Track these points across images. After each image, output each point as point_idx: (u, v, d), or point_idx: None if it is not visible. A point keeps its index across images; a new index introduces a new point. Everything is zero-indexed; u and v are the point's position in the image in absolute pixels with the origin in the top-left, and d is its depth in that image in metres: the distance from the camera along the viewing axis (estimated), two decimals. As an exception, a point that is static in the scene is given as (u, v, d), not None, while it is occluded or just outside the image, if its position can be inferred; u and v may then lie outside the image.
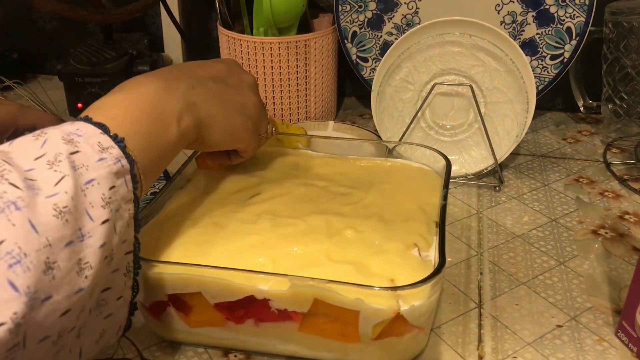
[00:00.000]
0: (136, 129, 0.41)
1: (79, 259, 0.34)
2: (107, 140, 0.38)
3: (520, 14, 0.80)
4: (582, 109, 0.88)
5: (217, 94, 0.49)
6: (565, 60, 0.81)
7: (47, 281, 0.31)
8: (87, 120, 0.39)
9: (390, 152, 0.62)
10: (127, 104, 0.42)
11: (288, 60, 0.81)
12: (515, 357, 0.49)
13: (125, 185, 0.38)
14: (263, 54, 0.80)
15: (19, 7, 1.06)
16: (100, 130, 0.38)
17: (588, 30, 0.78)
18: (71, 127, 0.38)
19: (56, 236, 0.32)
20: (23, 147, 0.35)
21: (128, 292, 0.40)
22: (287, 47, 0.80)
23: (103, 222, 0.36)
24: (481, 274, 0.58)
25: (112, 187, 0.37)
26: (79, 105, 0.89)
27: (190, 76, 0.48)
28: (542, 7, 0.79)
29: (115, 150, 0.38)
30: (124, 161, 0.38)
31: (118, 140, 0.39)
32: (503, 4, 0.80)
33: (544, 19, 0.80)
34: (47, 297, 0.31)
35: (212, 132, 0.49)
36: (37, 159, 0.35)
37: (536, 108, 0.72)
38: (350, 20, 0.86)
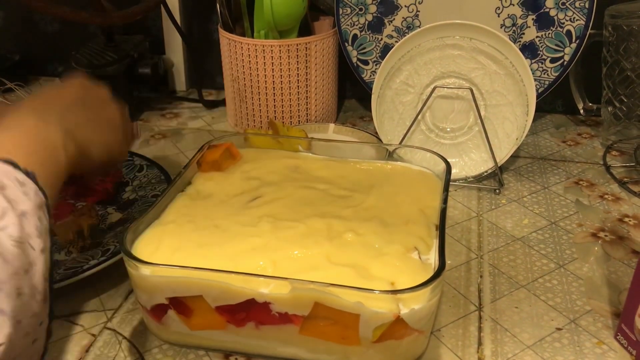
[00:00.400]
0: (34, 160, 0.42)
1: (33, 284, 0.36)
2: (21, 176, 0.39)
3: (520, 17, 0.80)
4: (582, 111, 0.88)
5: (85, 116, 0.51)
6: (565, 63, 0.81)
7: (19, 306, 0.34)
8: None
9: (390, 155, 0.63)
10: (19, 141, 0.43)
11: (289, 62, 0.81)
12: (514, 360, 0.49)
13: (45, 216, 0.40)
14: (264, 56, 0.81)
15: (20, 9, 1.06)
16: (11, 167, 0.39)
17: (588, 33, 0.79)
18: None
19: (19, 264, 0.35)
20: None
21: (47, 319, 0.40)
22: (288, 49, 0.80)
23: (42, 251, 0.38)
24: (481, 276, 0.58)
25: (40, 218, 0.39)
26: (80, 107, 0.89)
27: (55, 105, 0.49)
28: (542, 11, 0.79)
29: (32, 185, 0.40)
30: (40, 194, 0.40)
31: (30, 174, 0.40)
32: (503, 7, 0.80)
33: (544, 22, 0.80)
34: (19, 321, 0.34)
35: (92, 154, 0.51)
36: None
37: (536, 111, 0.72)
38: (350, 23, 0.86)
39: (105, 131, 0.53)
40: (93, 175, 0.58)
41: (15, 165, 0.40)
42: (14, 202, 0.37)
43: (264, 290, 0.44)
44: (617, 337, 0.50)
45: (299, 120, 0.86)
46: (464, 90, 0.73)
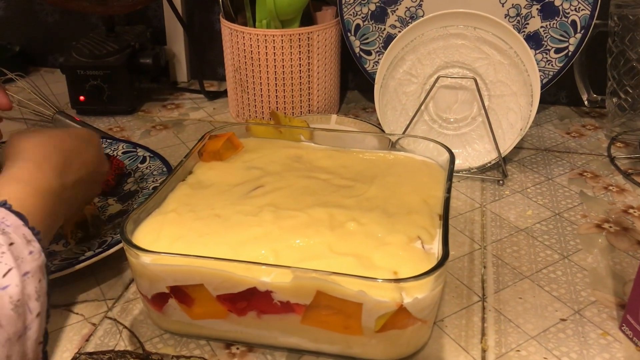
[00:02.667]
0: (42, 224, 0.43)
1: (24, 351, 0.35)
2: (28, 233, 0.40)
3: (524, 7, 0.79)
4: (586, 102, 0.87)
5: (80, 175, 0.51)
6: (570, 53, 0.80)
7: None
8: (8, 207, 0.40)
9: (393, 145, 0.62)
10: (34, 201, 0.43)
11: (291, 53, 0.81)
12: (518, 350, 0.48)
13: (44, 278, 0.40)
14: (266, 46, 0.80)
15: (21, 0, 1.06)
16: (22, 222, 0.40)
17: (593, 23, 0.78)
18: None
19: (14, 330, 0.34)
20: None
21: None
22: (290, 39, 0.80)
23: (37, 315, 0.37)
24: (484, 267, 0.58)
25: (40, 280, 0.39)
26: (81, 98, 0.89)
27: (70, 174, 0.49)
28: (546, 0, 0.79)
29: (37, 244, 0.40)
30: (43, 255, 0.40)
31: (36, 233, 0.40)
32: (507, -4, 0.80)
33: (549, 11, 0.79)
34: None
35: (77, 209, 0.54)
36: None
37: (540, 102, 0.71)
38: (353, 12, 0.85)
39: (92, 189, 0.56)
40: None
41: (26, 221, 0.40)
42: (20, 261, 0.37)
43: (266, 278, 0.43)
44: (622, 328, 0.50)
45: (301, 111, 0.85)
46: (468, 80, 0.72)
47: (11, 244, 0.37)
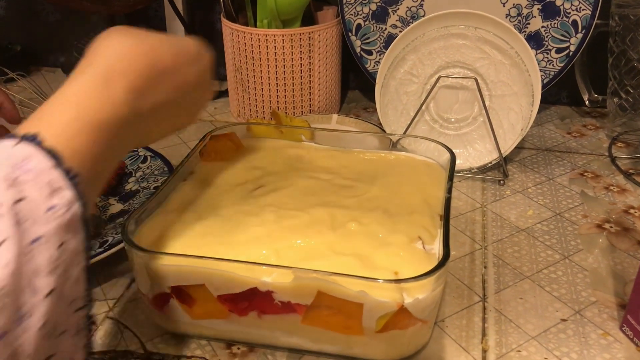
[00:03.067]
0: (89, 162, 0.34)
1: (13, 350, 0.27)
2: (59, 178, 0.30)
3: (525, 7, 0.79)
4: (587, 102, 0.87)
5: (167, 98, 0.41)
6: (571, 53, 0.80)
7: None
8: (38, 143, 0.31)
9: (394, 145, 0.62)
10: (68, 115, 0.34)
11: (292, 52, 0.81)
12: (519, 350, 0.48)
13: (75, 237, 0.31)
14: (267, 46, 0.80)
15: (22, -1, 1.06)
16: (52, 163, 0.31)
17: (594, 23, 0.78)
18: (17, 154, 0.30)
19: None
20: None
21: (80, 354, 0.33)
22: (291, 39, 0.80)
23: (48, 294, 0.29)
24: (485, 267, 0.58)
25: (61, 245, 0.30)
26: (82, 97, 0.89)
27: (136, 74, 0.38)
28: (547, 0, 0.79)
29: (68, 193, 0.31)
30: (76, 206, 0.31)
31: (71, 176, 0.31)
32: (508, -4, 0.80)
33: (550, 11, 0.79)
34: None
35: (152, 139, 0.43)
36: None
37: (541, 102, 0.71)
38: (354, 12, 0.85)
39: (181, 118, 0.44)
40: None
41: (59, 161, 0.31)
42: (26, 223, 0.28)
43: (267, 279, 0.43)
44: (623, 328, 0.50)
45: (302, 111, 0.85)
46: (469, 80, 0.72)
47: (18, 200, 0.28)
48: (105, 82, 0.36)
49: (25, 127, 0.33)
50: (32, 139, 0.31)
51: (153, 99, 0.39)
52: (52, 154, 0.31)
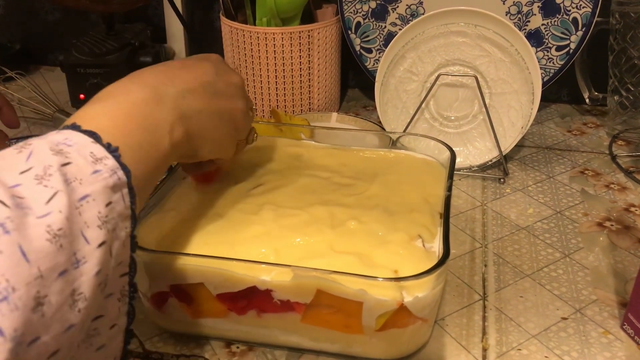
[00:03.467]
0: (128, 141, 0.36)
1: (72, 289, 0.29)
2: (100, 150, 0.34)
3: (525, 4, 0.79)
4: (587, 100, 0.87)
5: (208, 103, 0.45)
6: (571, 51, 0.80)
7: (35, 320, 0.27)
8: (75, 128, 0.35)
9: (394, 144, 0.62)
10: (116, 113, 0.37)
11: (291, 51, 0.80)
12: (519, 349, 0.48)
13: (123, 200, 0.34)
14: (266, 44, 0.80)
15: (21, -3, 1.06)
16: (91, 139, 0.34)
17: (594, 20, 0.78)
18: (58, 137, 0.33)
19: (49, 265, 0.28)
20: (5, 161, 0.31)
21: (123, 319, 0.36)
22: (291, 37, 0.80)
23: (100, 245, 0.31)
24: (485, 266, 0.58)
25: (108, 204, 0.32)
26: (81, 96, 0.89)
27: (178, 83, 0.43)
28: (548, -2, 0.78)
29: (110, 161, 0.34)
30: (120, 173, 0.34)
31: (112, 149, 0.34)
32: (508, -6, 0.79)
33: (550, 9, 0.79)
34: (35, 339, 0.27)
35: (203, 145, 0.45)
36: (23, 172, 0.30)
37: (541, 100, 0.71)
38: (354, 10, 0.85)
39: (223, 124, 0.47)
40: (187, 169, 0.53)
41: (96, 137, 0.34)
42: (74, 183, 0.31)
43: (266, 277, 0.43)
44: (624, 326, 0.50)
45: (301, 110, 0.85)
46: (469, 78, 0.72)
47: (66, 164, 0.31)
48: (130, 78, 0.41)
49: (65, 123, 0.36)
50: (70, 126, 0.35)
51: (179, 85, 0.43)
52: (90, 132, 0.34)
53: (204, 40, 1.01)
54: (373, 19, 0.85)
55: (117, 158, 0.34)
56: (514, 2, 0.79)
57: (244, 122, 0.50)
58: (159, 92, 0.41)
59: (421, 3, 0.83)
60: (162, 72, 0.43)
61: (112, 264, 0.33)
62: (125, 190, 0.34)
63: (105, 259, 0.32)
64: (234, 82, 0.49)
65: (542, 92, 0.71)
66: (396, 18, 0.84)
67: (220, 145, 0.48)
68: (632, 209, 0.66)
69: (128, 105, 0.38)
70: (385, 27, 0.85)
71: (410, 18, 0.84)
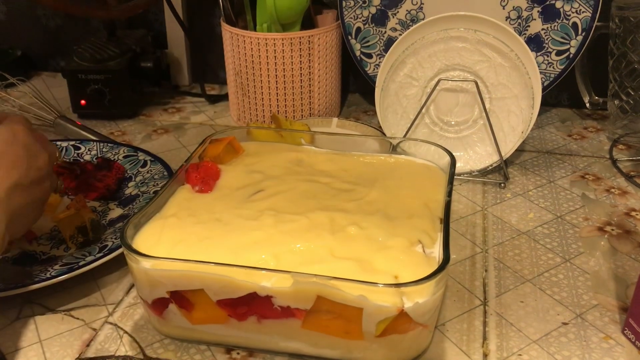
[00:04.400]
0: None
1: None
2: None
3: (525, 9, 0.79)
4: (588, 105, 0.87)
5: (26, 199, 0.49)
6: (571, 55, 0.80)
7: None
8: None
9: (394, 149, 0.62)
10: None
11: (292, 56, 0.81)
12: (520, 354, 0.48)
13: None
14: (267, 50, 0.80)
15: (22, 4, 1.06)
16: None
17: (594, 25, 0.78)
18: None
19: None
20: None
21: None
22: (291, 43, 0.80)
23: None
24: (486, 271, 0.58)
25: None
26: (82, 102, 0.89)
27: (3, 181, 0.46)
28: (547, 3, 0.78)
29: None
30: None
31: None
32: (508, -1, 0.79)
33: (550, 14, 0.79)
34: None
35: (19, 232, 0.50)
36: None
37: (541, 104, 0.71)
38: (354, 16, 0.85)
39: (39, 210, 0.52)
40: None
41: None
42: None
43: (266, 283, 0.43)
44: (625, 331, 0.50)
45: (302, 115, 0.85)
46: (469, 83, 0.72)
47: None
48: None
49: None
50: None
51: (19, 199, 0.47)
52: None
53: (204, 45, 1.02)
54: (373, 25, 0.85)
55: None
56: (513, 7, 0.79)
57: (50, 192, 0.54)
58: None
59: (421, 8, 0.83)
60: None
61: None
62: None
63: None
64: (43, 166, 0.51)
65: (543, 96, 0.72)
66: (396, 23, 0.85)
67: (34, 222, 0.53)
68: (633, 213, 0.66)
69: None
70: (385, 32, 0.86)
71: (411, 23, 0.84)
